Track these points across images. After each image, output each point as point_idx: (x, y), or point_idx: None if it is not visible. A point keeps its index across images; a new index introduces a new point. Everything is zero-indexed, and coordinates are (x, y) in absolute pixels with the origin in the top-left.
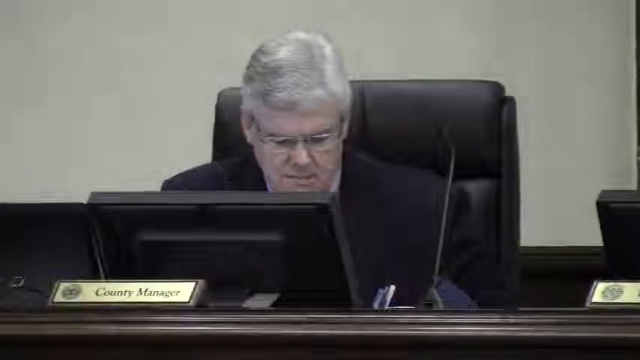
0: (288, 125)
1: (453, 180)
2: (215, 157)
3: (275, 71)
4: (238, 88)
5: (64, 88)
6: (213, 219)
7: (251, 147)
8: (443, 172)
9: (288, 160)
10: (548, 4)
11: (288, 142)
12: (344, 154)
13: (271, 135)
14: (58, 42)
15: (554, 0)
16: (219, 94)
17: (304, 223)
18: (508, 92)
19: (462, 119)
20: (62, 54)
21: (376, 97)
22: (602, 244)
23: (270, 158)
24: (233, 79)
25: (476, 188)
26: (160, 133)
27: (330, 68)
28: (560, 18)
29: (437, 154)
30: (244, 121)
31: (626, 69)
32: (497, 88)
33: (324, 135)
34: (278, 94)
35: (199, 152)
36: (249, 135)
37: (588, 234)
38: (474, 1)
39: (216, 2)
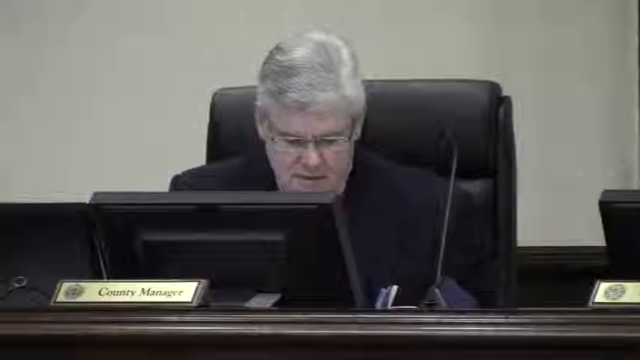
0: (300, 125)
1: (458, 182)
2: (209, 157)
3: (290, 70)
4: (233, 88)
5: (64, 88)
6: (215, 219)
7: (262, 144)
8: (442, 171)
9: (299, 159)
10: (548, 4)
11: (299, 142)
12: (355, 161)
13: (282, 134)
14: (58, 42)
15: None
16: (214, 95)
17: (307, 222)
18: (508, 92)
19: (459, 118)
20: (62, 54)
21: (375, 97)
22: (603, 244)
23: (280, 157)
24: (233, 78)
25: (473, 187)
26: (160, 133)
27: (345, 71)
28: (560, 17)
29: (436, 153)
30: (258, 117)
31: (626, 68)
32: (493, 87)
33: (335, 137)
34: (291, 94)
35: (200, 152)
36: (262, 131)
37: (589, 233)
38: (474, 1)
39: (216, 2)
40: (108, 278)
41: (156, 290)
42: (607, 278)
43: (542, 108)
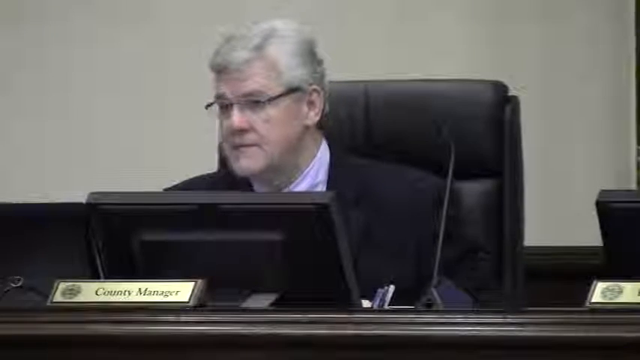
0: (224, 87)
1: (446, 178)
2: (220, 158)
3: (222, 42)
4: None
5: (64, 88)
6: (212, 219)
7: None
8: (444, 171)
9: (231, 128)
10: (549, 4)
11: (228, 109)
12: (333, 155)
13: (215, 98)
14: (58, 42)
15: None
16: None
17: (304, 222)
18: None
19: (465, 118)
20: (62, 54)
21: (381, 97)
22: (601, 244)
23: (221, 130)
24: None
25: (478, 188)
26: (160, 133)
27: (277, 42)
28: (561, 17)
29: (439, 153)
30: None
31: (626, 68)
32: (500, 87)
33: (257, 98)
34: (215, 58)
35: (200, 152)
36: None
37: (588, 234)
38: (474, 0)
39: (217, 1)
40: (105, 278)
41: (153, 290)
42: (604, 278)
43: (542, 107)
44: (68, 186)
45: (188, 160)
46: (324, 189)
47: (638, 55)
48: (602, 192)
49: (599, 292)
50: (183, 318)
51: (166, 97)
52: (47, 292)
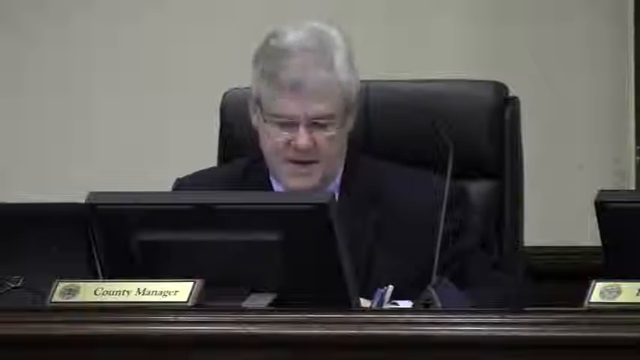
0: (292, 106)
1: (455, 179)
2: (220, 158)
3: (284, 53)
4: (242, 89)
5: (64, 88)
6: (211, 219)
7: (256, 137)
8: (441, 170)
9: (290, 143)
10: (548, 4)
11: (291, 125)
12: (348, 155)
13: (275, 116)
14: (57, 42)
15: (554, 0)
16: (224, 95)
17: (303, 222)
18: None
19: (465, 119)
20: (62, 54)
21: (380, 97)
22: (601, 244)
23: (272, 141)
24: (236, 78)
25: (478, 189)
26: (160, 133)
27: (339, 56)
28: (560, 18)
29: (438, 153)
30: (251, 105)
31: (625, 69)
32: (500, 87)
33: (328, 121)
34: (284, 74)
35: (200, 151)
36: (254, 119)
37: (588, 234)
38: (474, 1)
39: (218, 2)
40: (104, 278)
41: (151, 290)
42: (603, 278)
43: (542, 108)
44: (68, 186)
45: (188, 160)
46: (338, 190)
47: (637, 56)
48: (601, 192)
49: (598, 292)
50: (181, 318)
51: (166, 97)
52: (46, 292)
